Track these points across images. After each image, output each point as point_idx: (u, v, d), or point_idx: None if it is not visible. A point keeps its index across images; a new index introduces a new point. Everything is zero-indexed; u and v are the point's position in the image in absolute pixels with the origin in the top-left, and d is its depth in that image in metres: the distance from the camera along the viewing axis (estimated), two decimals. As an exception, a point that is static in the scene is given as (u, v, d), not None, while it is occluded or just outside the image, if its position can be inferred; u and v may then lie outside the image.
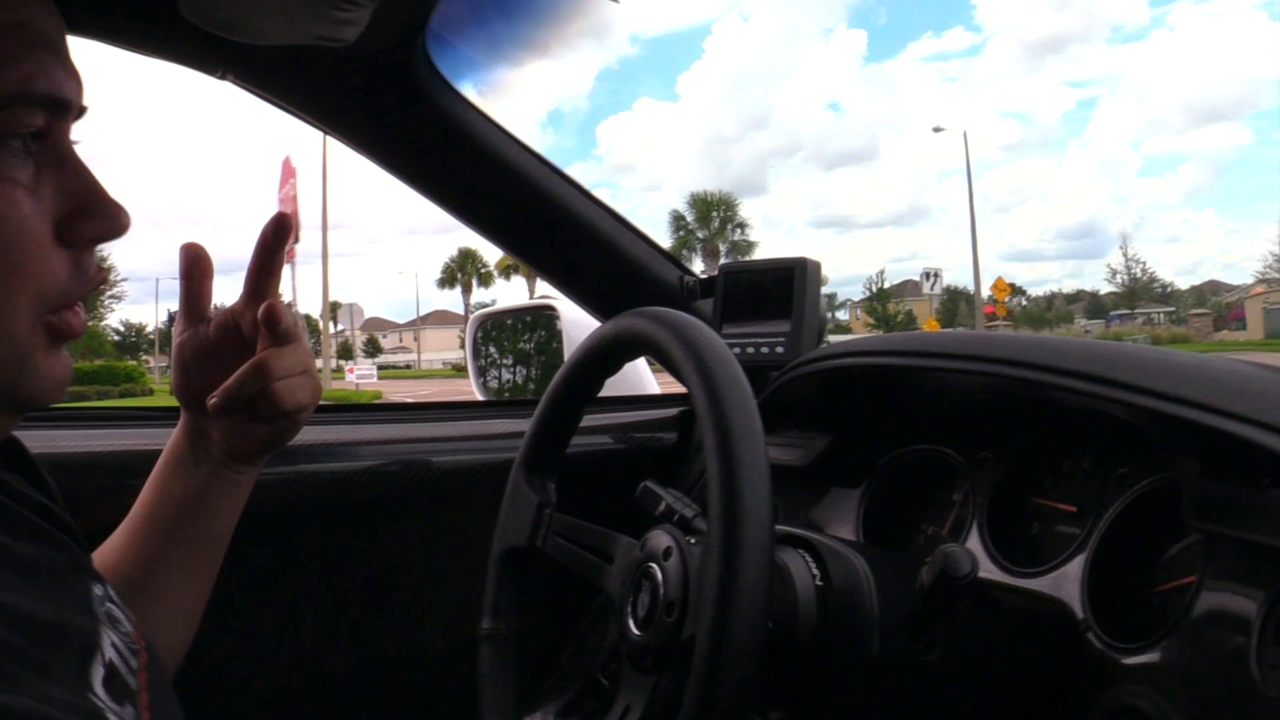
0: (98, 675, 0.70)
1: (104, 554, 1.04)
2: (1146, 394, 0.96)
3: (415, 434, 1.65)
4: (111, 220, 0.73)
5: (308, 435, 1.56)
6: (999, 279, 43.41)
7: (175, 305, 1.09)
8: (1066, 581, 1.11)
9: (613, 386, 1.57)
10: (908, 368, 1.28)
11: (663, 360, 0.99)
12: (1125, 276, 70.42)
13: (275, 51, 1.30)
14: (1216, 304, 63.62)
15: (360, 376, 38.16)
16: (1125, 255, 75.13)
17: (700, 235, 63.00)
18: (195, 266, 1.01)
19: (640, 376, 1.96)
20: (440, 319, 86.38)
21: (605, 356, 1.12)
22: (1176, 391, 0.94)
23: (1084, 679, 1.03)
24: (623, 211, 1.68)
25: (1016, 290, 79.52)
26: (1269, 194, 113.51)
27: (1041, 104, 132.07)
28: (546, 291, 1.98)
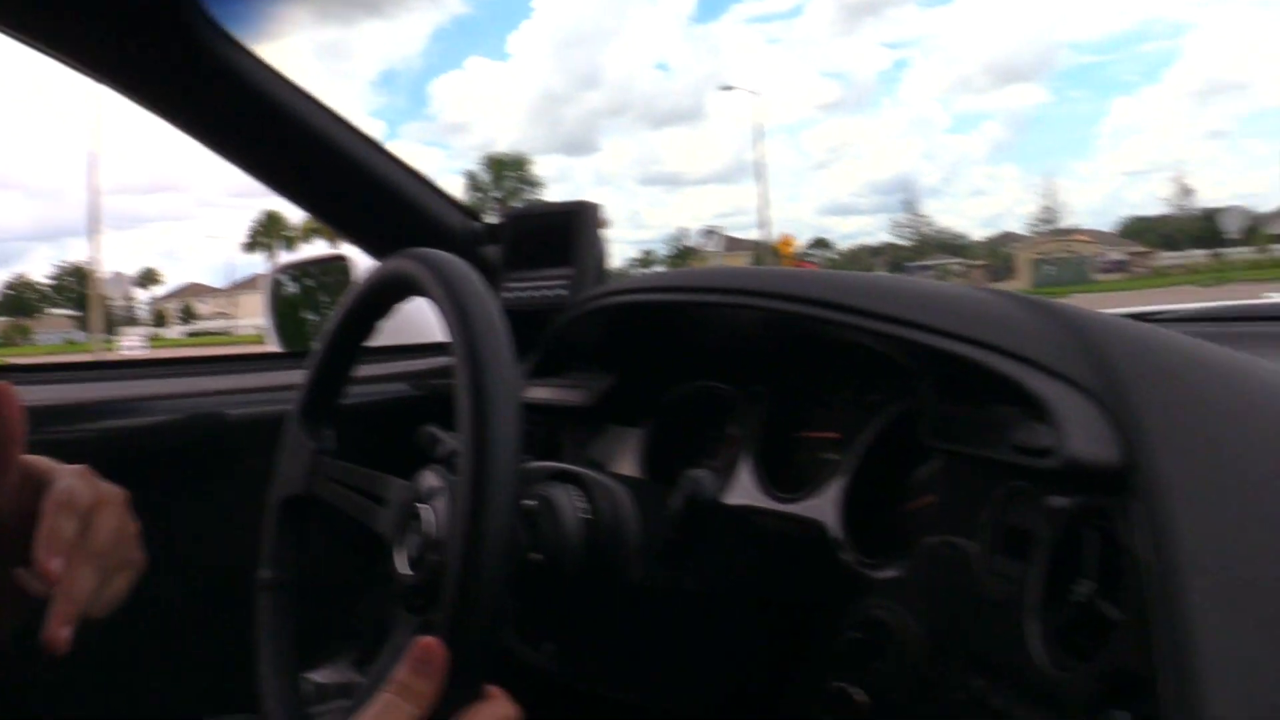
0: None
1: None
2: (885, 319, 1.00)
3: (207, 387, 1.63)
4: None
5: (94, 392, 1.54)
6: (784, 236, 44.16)
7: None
8: (826, 505, 1.15)
9: (408, 334, 1.57)
10: (680, 303, 1.31)
11: (429, 299, 0.99)
12: (911, 231, 72.99)
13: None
14: (1004, 254, 66.15)
15: (129, 348, 37.02)
16: (914, 212, 78.00)
17: (495, 195, 62.97)
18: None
19: (434, 325, 1.94)
20: (265, 284, 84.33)
21: (375, 299, 1.11)
22: (910, 316, 0.97)
23: (837, 595, 1.07)
24: (455, 171, 1.67)
25: (823, 244, 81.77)
26: (1064, 150, 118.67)
27: (859, 64, 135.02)
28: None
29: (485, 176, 64.22)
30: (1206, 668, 0.66)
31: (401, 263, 1.02)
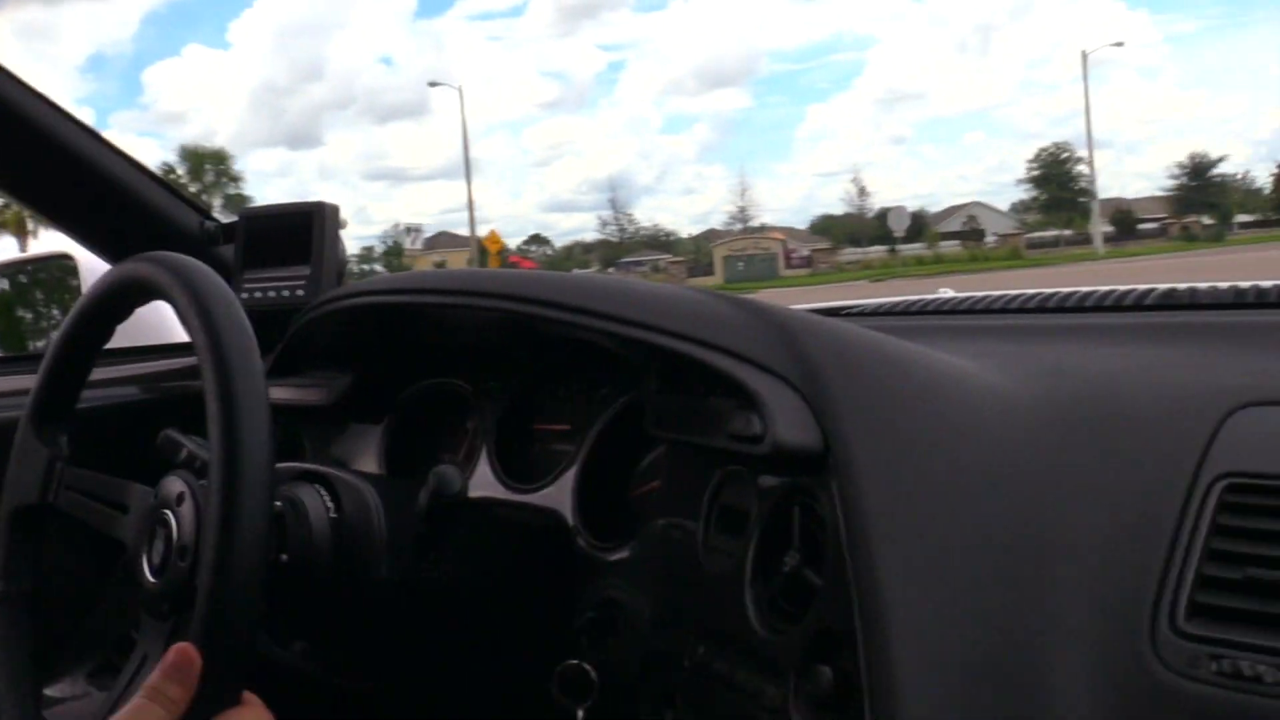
0: None
1: None
2: (611, 319, 1.06)
3: None
4: None
5: None
6: (492, 232, 44.23)
7: None
8: (561, 493, 1.22)
9: (143, 335, 1.55)
10: (414, 305, 1.34)
11: (168, 303, 0.98)
12: (615, 228, 74.20)
13: None
14: (705, 251, 68.39)
15: None
16: (615, 209, 78.63)
17: (193, 189, 60.28)
18: None
19: (170, 325, 1.91)
20: None
21: (112, 301, 1.09)
22: (634, 316, 1.04)
23: (574, 578, 1.15)
24: (171, 163, 1.63)
25: (540, 240, 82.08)
26: (766, 151, 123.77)
27: (577, 65, 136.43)
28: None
29: (182, 169, 60.73)
30: (897, 624, 0.74)
31: (140, 266, 1.02)
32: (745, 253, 58.53)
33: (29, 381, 1.60)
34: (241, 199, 60.22)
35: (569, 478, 1.22)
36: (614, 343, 1.10)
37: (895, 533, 0.78)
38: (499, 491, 1.29)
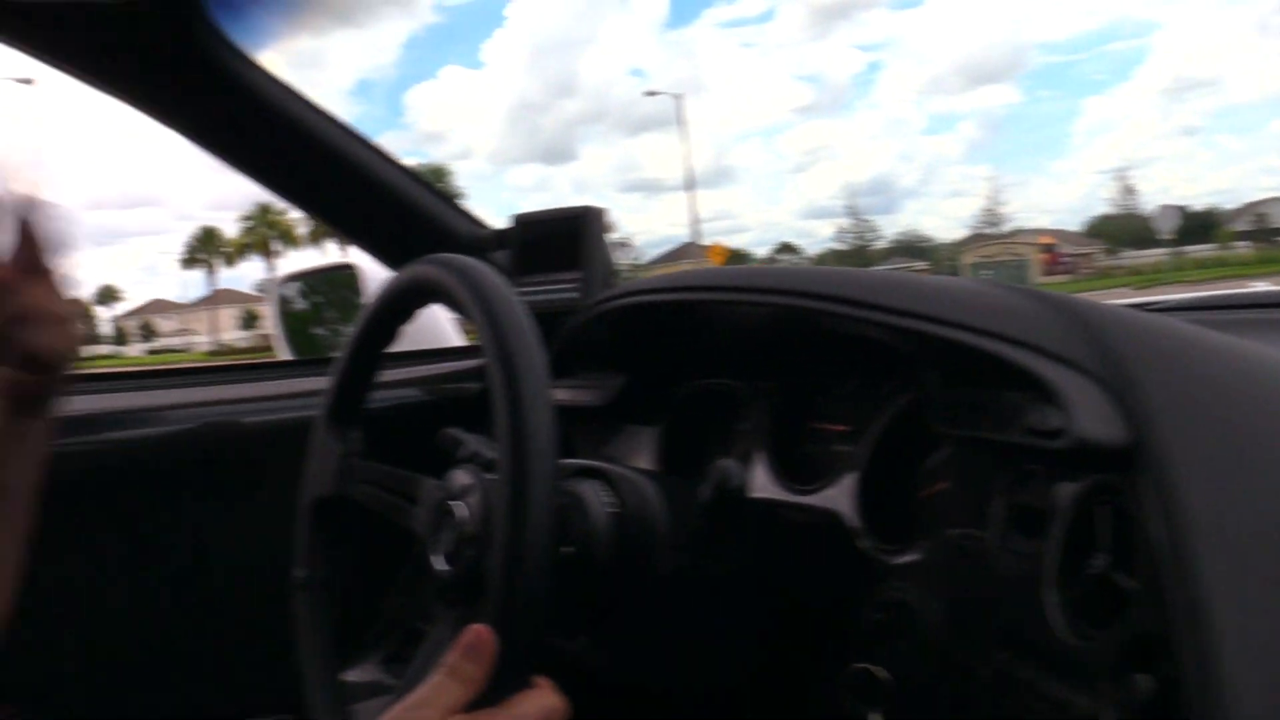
0: None
1: None
2: (894, 313, 1.03)
3: (223, 396, 1.66)
4: None
5: (113, 402, 1.56)
6: (715, 244, 43.96)
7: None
8: (841, 495, 1.18)
9: (416, 341, 1.60)
10: (690, 302, 1.34)
11: (451, 304, 1.01)
12: (855, 236, 71.96)
13: (50, 9, 1.28)
14: (952, 259, 65.91)
15: None
16: (854, 216, 76.04)
17: None
18: None
19: (443, 330, 1.97)
20: (227, 298, 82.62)
21: (398, 304, 1.13)
22: (920, 309, 1.01)
23: (857, 581, 1.11)
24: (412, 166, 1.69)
25: (789, 249, 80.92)
26: (1039, 149, 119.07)
27: (832, 67, 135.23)
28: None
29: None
30: (1220, 628, 0.69)
31: (426, 269, 1.05)
32: (995, 259, 56.55)
33: (321, 382, 1.71)
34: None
35: (849, 479, 1.18)
36: (896, 337, 1.07)
37: (1218, 532, 0.73)
38: (776, 493, 1.27)
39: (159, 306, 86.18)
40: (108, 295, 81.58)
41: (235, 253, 69.06)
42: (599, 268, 1.60)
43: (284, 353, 2.31)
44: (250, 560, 1.59)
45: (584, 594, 1.03)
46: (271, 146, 1.61)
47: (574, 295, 1.60)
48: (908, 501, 1.15)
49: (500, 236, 1.74)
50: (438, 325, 1.95)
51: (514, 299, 0.94)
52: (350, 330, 1.21)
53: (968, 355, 0.95)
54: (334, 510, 1.19)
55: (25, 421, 1.03)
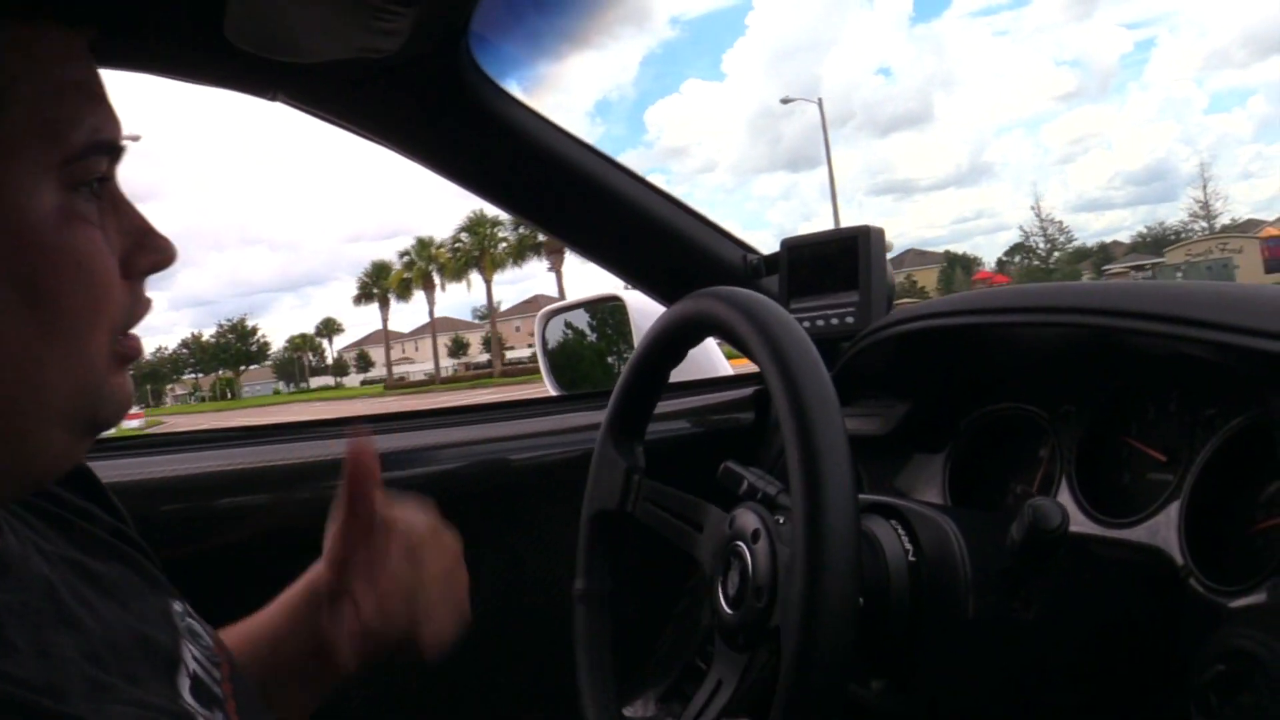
0: (184, 684, 0.75)
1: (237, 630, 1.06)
2: (1228, 330, 0.94)
3: (492, 434, 1.67)
4: (163, 252, 0.77)
5: (384, 444, 1.59)
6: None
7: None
8: (1162, 529, 1.09)
9: (684, 371, 1.57)
10: (979, 326, 1.26)
11: (733, 340, 0.98)
12: (1040, 238, 67.41)
13: (322, 68, 1.31)
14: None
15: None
16: (1039, 216, 71.75)
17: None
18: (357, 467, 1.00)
19: (711, 359, 1.95)
20: (444, 325, 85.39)
21: (679, 334, 1.11)
22: (1260, 325, 0.91)
23: (1188, 625, 1.01)
24: (677, 196, 1.67)
25: (1023, 249, 76.58)
26: None
27: (1096, 49, 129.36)
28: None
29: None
30: None
31: (705, 302, 1.02)
32: (1198, 257, 52.20)
33: (579, 419, 1.72)
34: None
35: (1172, 511, 1.08)
36: (1227, 356, 0.97)
37: None
38: (1085, 526, 1.18)
39: (377, 337, 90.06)
40: (328, 328, 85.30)
41: (395, 286, 70.80)
42: (876, 290, 1.53)
43: (550, 386, 2.34)
44: (515, 597, 1.60)
45: (878, 641, 0.98)
46: (538, 182, 1.62)
47: (850, 320, 1.54)
48: (1241, 537, 1.05)
49: (769, 262, 1.70)
50: (706, 355, 1.93)
51: (802, 334, 0.90)
52: (638, 345, 1.19)
53: None
54: (615, 525, 1.17)
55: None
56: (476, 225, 63.37)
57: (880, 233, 1.55)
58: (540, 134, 1.55)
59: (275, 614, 1.08)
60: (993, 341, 1.32)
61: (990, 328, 1.26)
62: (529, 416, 1.77)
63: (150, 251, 0.76)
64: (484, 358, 76.09)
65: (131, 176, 0.77)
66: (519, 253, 62.81)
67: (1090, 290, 1.14)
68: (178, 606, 0.86)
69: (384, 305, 73.21)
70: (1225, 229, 61.05)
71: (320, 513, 1.33)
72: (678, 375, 1.19)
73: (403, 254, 69.18)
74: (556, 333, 2.40)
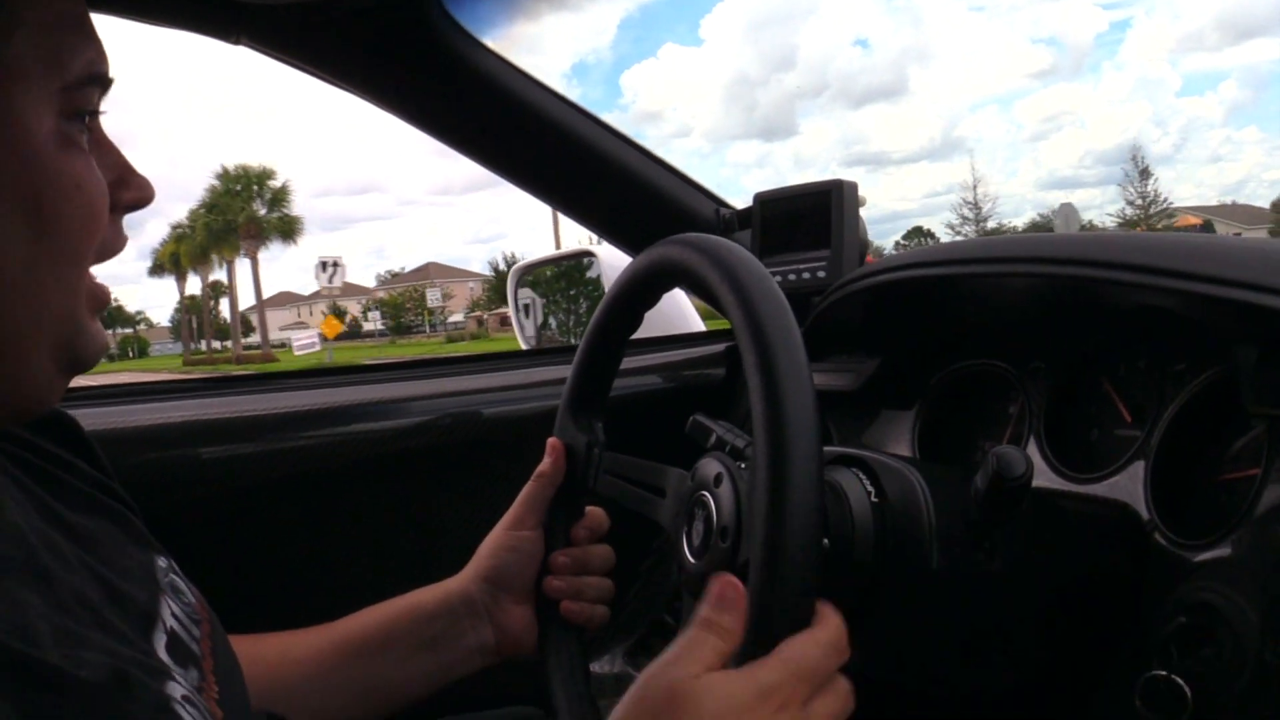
0: (160, 640, 0.74)
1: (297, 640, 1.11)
2: (1198, 279, 0.93)
3: (462, 386, 1.66)
4: (143, 190, 0.78)
5: (357, 395, 1.59)
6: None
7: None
8: (1129, 484, 1.08)
9: (657, 326, 1.56)
10: (950, 277, 1.25)
11: (699, 286, 0.96)
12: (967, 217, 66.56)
13: (287, 10, 1.29)
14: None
15: (301, 346, 38.50)
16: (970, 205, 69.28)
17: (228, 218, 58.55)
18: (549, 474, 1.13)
19: (684, 315, 1.94)
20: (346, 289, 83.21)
21: (642, 288, 1.09)
22: (1229, 274, 0.90)
23: (1153, 578, 1.01)
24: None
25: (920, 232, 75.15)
26: None
27: (1072, 27, 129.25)
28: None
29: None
30: None
31: (671, 249, 0.99)
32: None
33: (559, 372, 1.71)
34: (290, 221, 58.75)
35: (1139, 466, 1.08)
36: (1197, 307, 0.96)
37: None
38: (1054, 481, 1.17)
39: (282, 299, 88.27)
40: (215, 290, 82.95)
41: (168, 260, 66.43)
42: (849, 245, 1.52)
43: (522, 341, 2.33)
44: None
45: (842, 588, 0.95)
46: (510, 134, 1.60)
47: (822, 275, 1.52)
48: (1207, 491, 1.04)
49: (742, 216, 1.68)
50: (679, 309, 1.92)
51: (765, 275, 0.88)
52: (592, 318, 1.17)
53: None
54: (576, 501, 1.16)
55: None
56: (222, 198, 59.66)
57: (854, 186, 1.53)
58: (512, 83, 1.53)
59: (392, 615, 1.13)
60: (963, 295, 1.30)
61: (961, 279, 1.24)
62: (499, 370, 1.76)
63: (132, 189, 0.77)
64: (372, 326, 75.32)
65: (103, 121, 0.78)
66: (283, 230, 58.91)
67: (1061, 240, 1.13)
68: (162, 563, 0.85)
69: (181, 278, 69.92)
70: (1155, 214, 61.28)
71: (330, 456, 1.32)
72: (649, 330, 1.17)
73: (175, 226, 65.39)
74: (532, 289, 2.39)
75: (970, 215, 65.64)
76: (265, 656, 1.05)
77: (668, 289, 1.07)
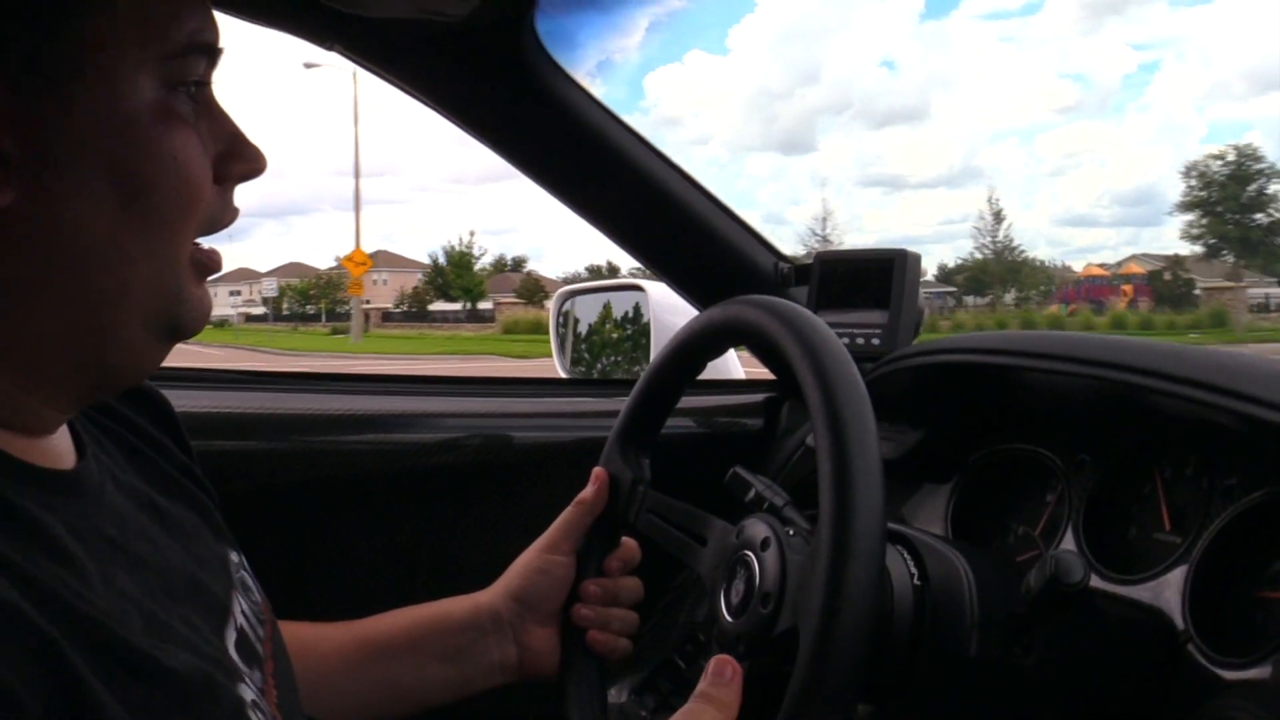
0: (231, 636, 0.75)
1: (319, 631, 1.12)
2: (1257, 403, 0.94)
3: (497, 409, 1.68)
4: (255, 161, 0.78)
5: (390, 405, 1.60)
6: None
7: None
8: (1166, 591, 1.09)
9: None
10: (1008, 367, 1.26)
11: (771, 350, 0.98)
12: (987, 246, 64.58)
13: (384, 24, 1.31)
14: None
15: None
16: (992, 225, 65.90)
17: None
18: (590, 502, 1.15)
19: (725, 361, 1.94)
20: (295, 271, 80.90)
21: (713, 340, 1.11)
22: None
23: (1182, 691, 1.01)
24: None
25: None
26: None
27: (1101, 66, 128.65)
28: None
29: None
30: None
31: (747, 310, 1.01)
32: None
33: (583, 404, 1.72)
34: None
35: (1177, 574, 1.09)
36: (1255, 430, 0.97)
37: None
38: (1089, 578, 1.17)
39: (238, 275, 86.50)
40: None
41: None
42: (906, 315, 1.53)
43: (560, 368, 2.33)
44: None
45: (878, 664, 0.96)
46: (585, 168, 1.61)
47: (876, 342, 1.54)
48: (1244, 608, 1.05)
49: (799, 271, 1.69)
50: (720, 356, 1.92)
51: (846, 356, 0.90)
52: (655, 357, 1.19)
53: None
54: (614, 535, 1.17)
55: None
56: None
57: (917, 258, 1.54)
58: (592, 118, 1.54)
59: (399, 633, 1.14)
60: (1016, 384, 1.31)
61: (1016, 370, 1.26)
62: (535, 395, 1.77)
63: (242, 160, 0.77)
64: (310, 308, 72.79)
65: None
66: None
67: (1122, 345, 1.14)
68: (235, 557, 0.87)
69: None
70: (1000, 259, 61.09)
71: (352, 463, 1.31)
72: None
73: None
74: (574, 314, 2.39)
75: (989, 245, 64.99)
76: (290, 645, 1.05)
77: (737, 345, 1.09)
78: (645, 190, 1.62)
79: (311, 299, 71.72)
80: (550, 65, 1.46)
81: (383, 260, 76.29)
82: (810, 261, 1.66)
